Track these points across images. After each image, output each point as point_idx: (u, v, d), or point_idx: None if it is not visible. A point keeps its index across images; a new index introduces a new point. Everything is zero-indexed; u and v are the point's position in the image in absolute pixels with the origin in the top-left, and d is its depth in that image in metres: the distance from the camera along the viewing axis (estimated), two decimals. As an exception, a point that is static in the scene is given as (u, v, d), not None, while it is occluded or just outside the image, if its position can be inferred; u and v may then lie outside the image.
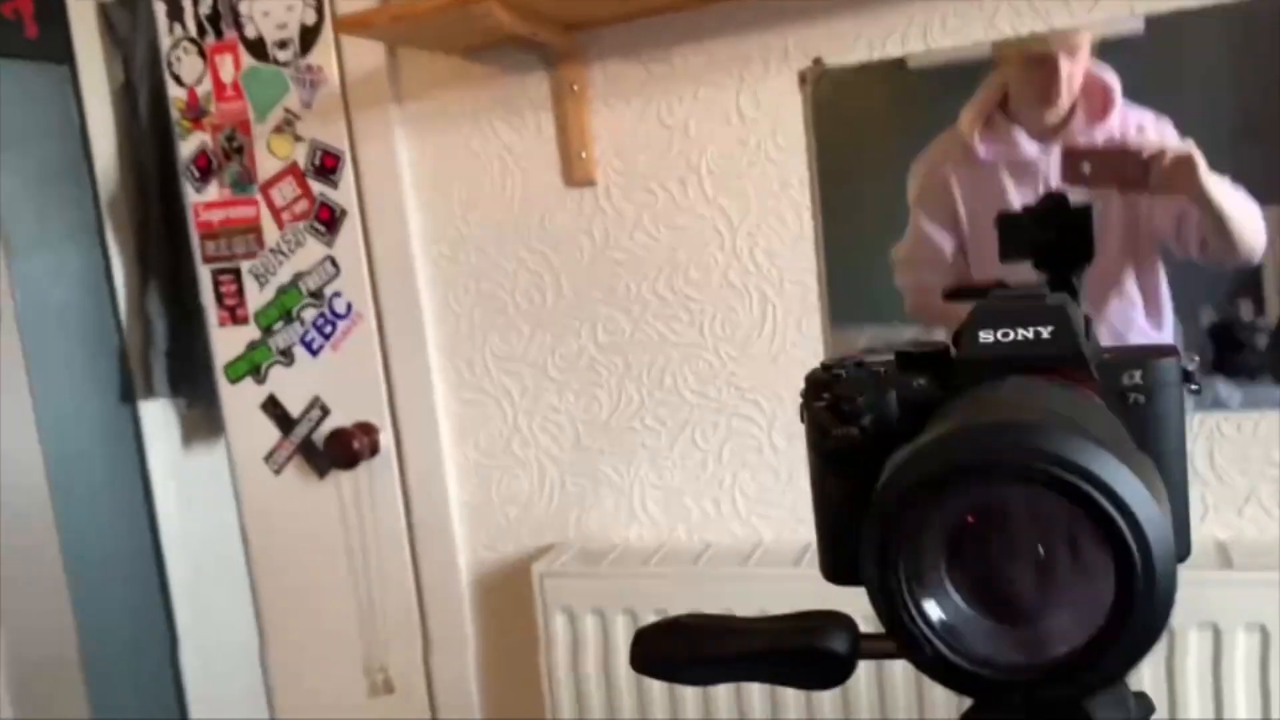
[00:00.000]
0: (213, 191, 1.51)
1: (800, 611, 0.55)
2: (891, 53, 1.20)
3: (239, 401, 1.57)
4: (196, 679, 1.74)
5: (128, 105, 1.64)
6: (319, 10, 1.42)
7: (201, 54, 1.49)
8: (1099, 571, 0.36)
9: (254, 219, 1.50)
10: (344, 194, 1.45)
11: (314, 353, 1.52)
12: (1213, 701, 1.10)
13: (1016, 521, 0.39)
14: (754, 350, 1.32)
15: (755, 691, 1.27)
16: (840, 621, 0.53)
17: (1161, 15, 1.11)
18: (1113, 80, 1.13)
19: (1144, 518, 0.35)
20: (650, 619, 1.32)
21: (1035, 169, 1.17)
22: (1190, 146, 1.11)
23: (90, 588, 1.64)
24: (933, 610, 0.39)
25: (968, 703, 0.44)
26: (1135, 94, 1.12)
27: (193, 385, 1.72)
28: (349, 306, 1.48)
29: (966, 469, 0.38)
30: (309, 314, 1.50)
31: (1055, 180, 1.16)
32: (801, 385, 1.30)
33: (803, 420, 0.54)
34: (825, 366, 0.53)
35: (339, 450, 1.50)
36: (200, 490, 1.75)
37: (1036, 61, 1.15)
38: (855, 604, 0.47)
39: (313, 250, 1.48)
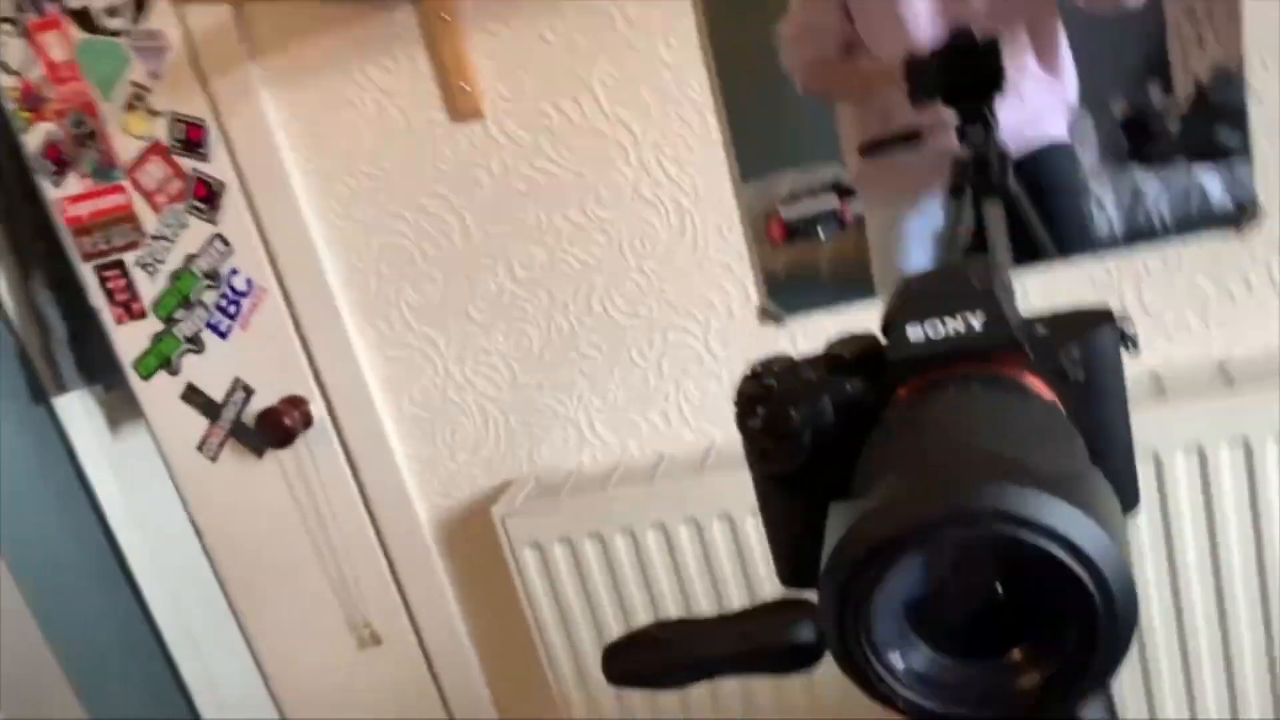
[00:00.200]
0: (73, 184, 1.40)
1: (765, 604, 0.54)
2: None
3: (157, 396, 1.50)
4: (191, 666, 1.72)
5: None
6: (144, -33, 1.28)
7: (24, 34, 1.34)
8: (1060, 610, 0.36)
9: (126, 207, 1.39)
10: (218, 166, 1.35)
11: (223, 335, 1.44)
12: (1162, 529, 1.16)
13: (973, 570, 0.38)
14: (678, 263, 1.29)
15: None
16: (806, 610, 0.53)
17: None
18: None
19: (1103, 563, 0.35)
20: (618, 540, 1.35)
21: None
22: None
23: (52, 599, 1.59)
24: (897, 661, 0.38)
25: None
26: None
27: (105, 369, 1.63)
28: (249, 283, 1.41)
29: (916, 536, 0.36)
30: (209, 296, 1.42)
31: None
32: (729, 289, 1.27)
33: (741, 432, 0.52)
34: (755, 374, 0.51)
35: (271, 429, 1.45)
36: (139, 472, 1.69)
37: None
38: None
39: (198, 230, 1.39)
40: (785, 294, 1.28)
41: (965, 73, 1.14)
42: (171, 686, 1.72)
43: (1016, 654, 0.38)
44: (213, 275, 1.41)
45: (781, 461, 0.49)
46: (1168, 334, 1.19)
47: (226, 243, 1.39)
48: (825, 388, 0.49)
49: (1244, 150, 1.11)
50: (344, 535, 1.54)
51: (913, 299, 0.47)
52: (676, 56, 1.20)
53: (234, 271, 1.40)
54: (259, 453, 1.51)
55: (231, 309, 1.42)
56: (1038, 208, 1.13)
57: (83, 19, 1.32)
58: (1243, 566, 1.14)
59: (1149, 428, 1.10)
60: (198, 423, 1.50)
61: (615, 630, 1.36)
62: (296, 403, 1.46)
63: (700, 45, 1.19)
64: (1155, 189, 1.14)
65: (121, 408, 1.68)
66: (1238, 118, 1.09)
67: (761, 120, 1.21)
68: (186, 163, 1.36)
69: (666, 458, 1.37)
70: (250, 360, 1.45)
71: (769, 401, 0.49)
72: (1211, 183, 1.12)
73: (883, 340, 0.48)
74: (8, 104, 1.38)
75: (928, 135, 1.15)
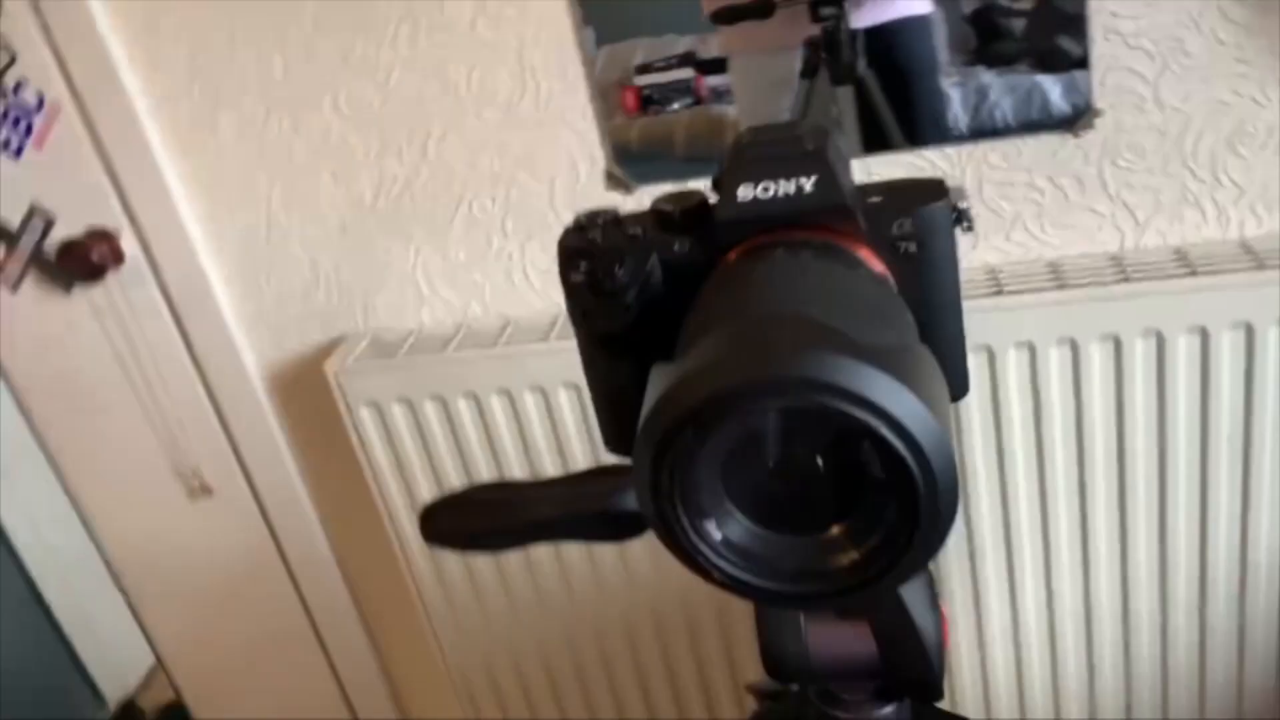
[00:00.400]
0: None
1: (589, 470, 0.54)
2: None
3: (-57, 219, 1.34)
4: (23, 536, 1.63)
5: None
6: None
7: None
8: (881, 484, 0.35)
9: (-115, -4, 1.19)
10: (-10, -44, 1.16)
11: (16, 154, 1.28)
12: (992, 423, 1.15)
13: (791, 440, 0.36)
14: (521, 114, 1.16)
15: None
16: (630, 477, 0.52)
17: None
18: None
19: (925, 440, 0.33)
20: (461, 404, 1.28)
21: None
22: None
23: None
24: (713, 530, 0.37)
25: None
26: None
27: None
28: (40, 97, 1.24)
29: (732, 402, 0.35)
30: (-7, 109, 1.25)
31: None
32: (575, 151, 1.17)
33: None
34: (579, 226, 0.49)
35: (75, 264, 1.32)
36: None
37: None
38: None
39: (-26, 32, 1.20)
40: (637, 164, 1.18)
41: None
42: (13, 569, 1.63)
43: (835, 530, 0.37)
44: (-4, 85, 1.23)
45: (605, 321, 0.47)
46: (1005, 232, 1.15)
47: (10, 50, 1.20)
48: (652, 246, 0.47)
49: (1083, 57, 1.07)
50: (166, 381, 1.43)
51: (744, 159, 0.45)
52: None
53: (20, 84, 1.23)
54: (66, 287, 1.38)
55: (22, 125, 1.26)
56: (891, 91, 1.05)
57: None
58: (1064, 461, 1.16)
59: (984, 322, 1.09)
60: (-7, 250, 1.36)
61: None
62: (105, 236, 1.32)
63: None
64: (999, 89, 1.11)
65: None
66: (1079, 23, 1.04)
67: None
68: (-48, -51, 1.16)
69: (512, 323, 1.29)
70: (48, 185, 1.30)
71: (592, 257, 0.47)
72: (1052, 87, 1.08)
73: (712, 199, 0.46)
74: None
75: (781, 4, 1.04)
